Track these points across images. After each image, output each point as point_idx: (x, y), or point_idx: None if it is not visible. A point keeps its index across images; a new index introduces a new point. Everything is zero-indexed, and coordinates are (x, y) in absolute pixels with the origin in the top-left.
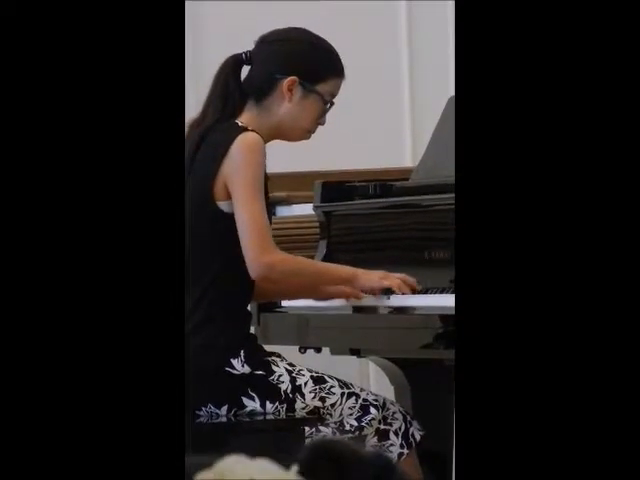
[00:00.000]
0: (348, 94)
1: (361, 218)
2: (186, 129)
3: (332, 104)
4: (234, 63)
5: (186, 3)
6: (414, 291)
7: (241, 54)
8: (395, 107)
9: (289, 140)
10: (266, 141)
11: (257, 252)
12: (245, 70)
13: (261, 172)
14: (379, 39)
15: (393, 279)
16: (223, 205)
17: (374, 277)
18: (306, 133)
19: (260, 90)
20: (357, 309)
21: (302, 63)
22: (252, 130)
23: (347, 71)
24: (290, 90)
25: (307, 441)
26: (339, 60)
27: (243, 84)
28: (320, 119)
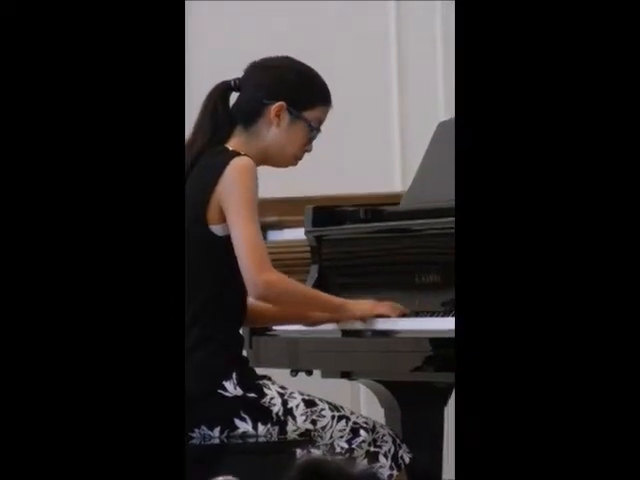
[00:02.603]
0: (339, 120)
1: (352, 242)
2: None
3: (319, 131)
4: (223, 89)
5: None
6: (404, 316)
7: (230, 81)
8: (385, 133)
9: (276, 166)
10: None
11: (256, 271)
12: (234, 96)
13: (255, 194)
14: (369, 66)
15: (382, 308)
16: (216, 229)
17: (363, 307)
18: (293, 159)
19: (248, 115)
20: (347, 332)
21: (290, 90)
22: (244, 154)
23: (338, 97)
24: (278, 116)
25: (297, 461)
26: (326, 89)
27: (232, 109)
28: (307, 146)
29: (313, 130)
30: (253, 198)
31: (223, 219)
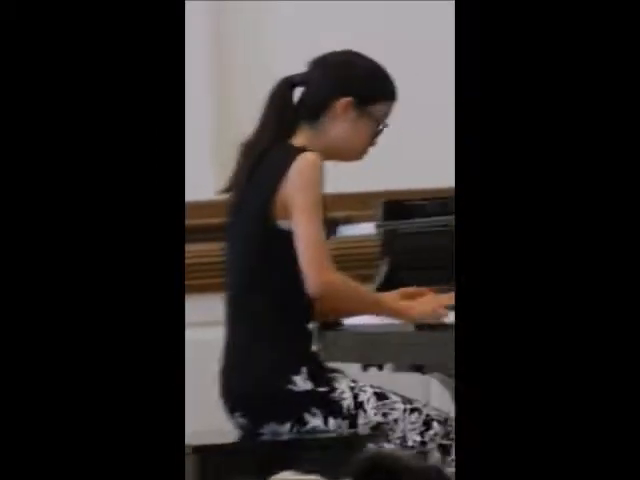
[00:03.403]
0: (407, 114)
1: (422, 237)
2: (241, 149)
3: (385, 125)
4: (287, 85)
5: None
6: None
7: (294, 76)
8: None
9: (342, 160)
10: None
11: (317, 271)
12: (297, 91)
13: (320, 192)
14: (438, 59)
15: (442, 302)
16: (282, 224)
17: (428, 309)
18: (359, 154)
19: (314, 111)
20: (420, 326)
21: (357, 85)
22: (310, 150)
23: (408, 92)
24: (345, 111)
25: (362, 455)
26: (392, 83)
27: (297, 105)
28: (372, 140)
29: (379, 125)
30: (318, 195)
31: (289, 214)
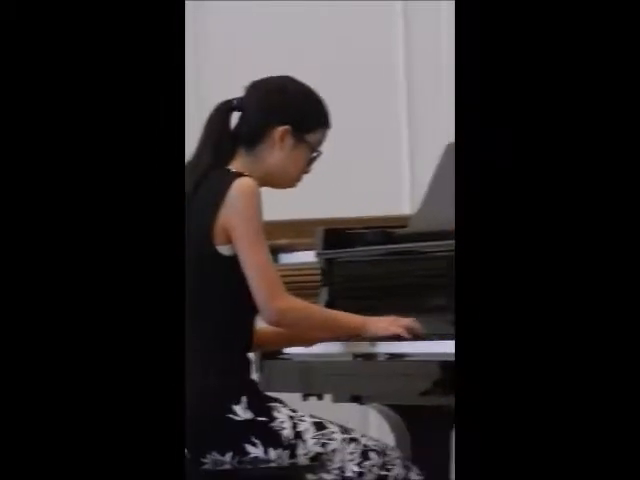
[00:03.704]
0: (347, 142)
1: (362, 265)
2: None
3: (320, 153)
4: (226, 109)
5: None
6: (419, 335)
7: (232, 100)
8: (394, 155)
9: (277, 187)
10: None
11: (269, 298)
12: (235, 116)
13: (261, 216)
14: (377, 86)
15: (401, 323)
16: (223, 249)
17: (384, 324)
18: (294, 181)
19: (252, 138)
20: (357, 355)
21: (294, 113)
22: (247, 175)
23: (347, 119)
24: (282, 139)
25: None
26: (327, 111)
27: (234, 131)
28: (307, 168)
29: (315, 152)
30: (258, 220)
31: (229, 240)
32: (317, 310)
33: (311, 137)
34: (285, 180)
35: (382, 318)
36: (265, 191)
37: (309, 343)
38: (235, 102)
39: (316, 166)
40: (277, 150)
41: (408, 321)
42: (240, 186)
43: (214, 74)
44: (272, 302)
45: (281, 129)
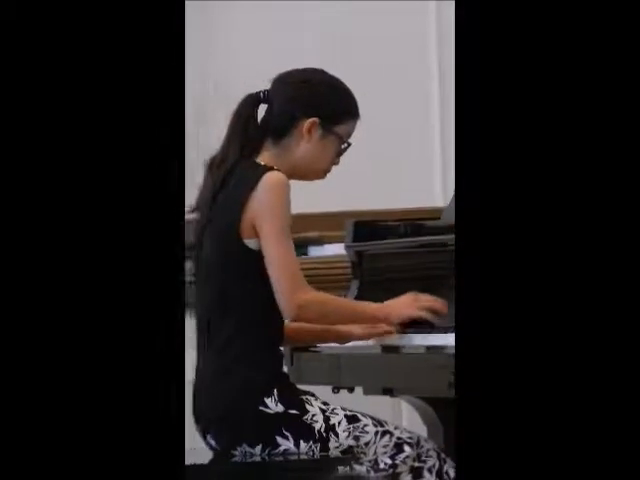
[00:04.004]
0: (380, 134)
1: (393, 257)
2: (206, 167)
3: (349, 145)
4: (252, 102)
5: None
6: (443, 314)
7: (259, 93)
8: (426, 147)
9: (306, 179)
10: None
11: (290, 293)
12: (262, 109)
13: (288, 211)
14: (410, 78)
15: (422, 304)
16: (250, 243)
17: (404, 310)
18: (322, 173)
19: (279, 130)
20: (387, 348)
21: (323, 105)
22: (277, 169)
23: (380, 111)
24: (310, 131)
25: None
26: (356, 102)
27: (261, 123)
28: (336, 159)
29: (343, 144)
30: (286, 214)
31: (257, 233)
32: (337, 302)
33: (340, 128)
34: (314, 172)
35: (402, 299)
36: (295, 183)
37: (341, 339)
38: (262, 94)
39: (348, 158)
40: (305, 142)
41: (428, 300)
42: (270, 180)
43: (236, 69)
44: (292, 296)
45: (309, 121)
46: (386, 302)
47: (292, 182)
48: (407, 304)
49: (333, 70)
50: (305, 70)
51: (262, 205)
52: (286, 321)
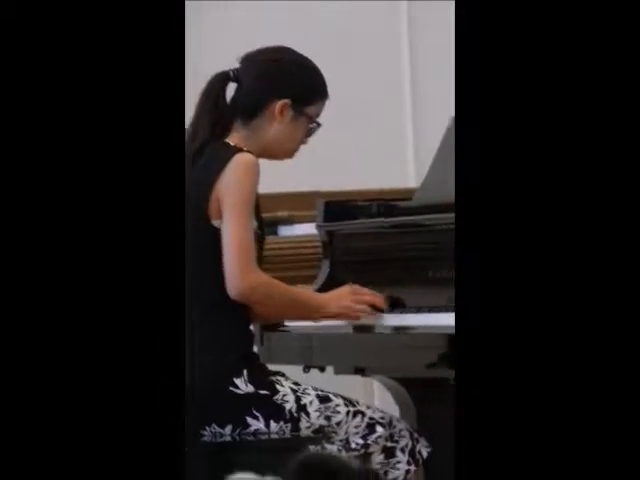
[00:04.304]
0: (351, 113)
1: (364, 237)
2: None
3: (319, 125)
4: (221, 80)
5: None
6: (381, 310)
7: (228, 71)
8: (398, 127)
9: (274, 159)
10: None
11: (238, 272)
12: (231, 88)
13: (253, 193)
14: (381, 58)
15: (364, 299)
16: (217, 223)
17: (346, 305)
18: (292, 153)
19: (249, 110)
20: (359, 328)
21: (294, 85)
22: (246, 151)
23: (350, 90)
24: (282, 113)
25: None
26: (325, 81)
27: (230, 102)
28: (305, 139)
29: (313, 124)
30: (250, 197)
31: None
32: (284, 289)
33: (310, 109)
34: (283, 152)
35: (344, 293)
36: (266, 163)
37: (279, 320)
38: (232, 73)
39: (320, 138)
40: (276, 123)
41: (366, 293)
42: (240, 161)
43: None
44: (241, 276)
45: (281, 103)
46: (325, 294)
47: (263, 162)
48: (345, 297)
49: (299, 43)
50: (274, 48)
51: (229, 185)
52: None
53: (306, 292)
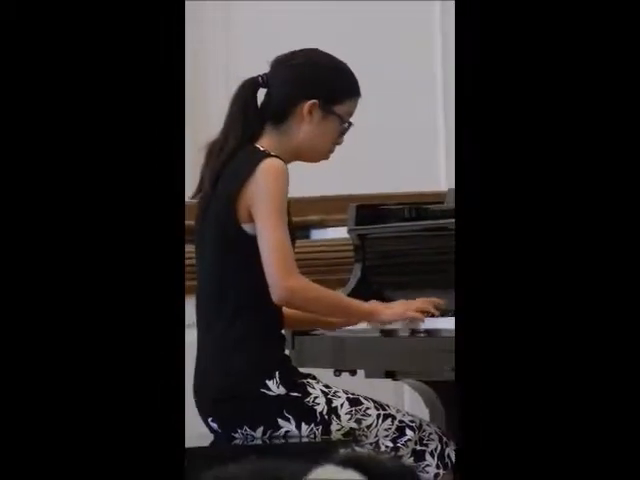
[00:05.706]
0: (383, 117)
1: (395, 241)
2: (206, 152)
3: (350, 124)
4: (251, 86)
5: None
6: (438, 310)
7: (258, 77)
8: (430, 130)
9: (309, 161)
10: (286, 163)
11: (280, 277)
12: (261, 93)
13: (285, 198)
14: (415, 61)
15: (414, 306)
16: (247, 227)
17: (396, 311)
18: (326, 154)
19: (279, 114)
20: (388, 332)
21: (321, 86)
22: (275, 156)
23: (383, 94)
24: (310, 113)
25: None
26: (355, 79)
27: (261, 107)
28: (338, 139)
29: (344, 123)
30: (282, 201)
31: (254, 218)
32: (327, 294)
33: (340, 108)
34: (316, 154)
35: (392, 304)
36: (297, 166)
37: (327, 328)
38: (261, 79)
39: (351, 141)
40: (306, 124)
41: (419, 303)
42: (267, 166)
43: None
44: (283, 280)
45: (309, 103)
46: (376, 304)
47: (294, 165)
48: (398, 307)
49: (333, 48)
50: (302, 51)
51: (259, 190)
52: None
53: (351, 299)
